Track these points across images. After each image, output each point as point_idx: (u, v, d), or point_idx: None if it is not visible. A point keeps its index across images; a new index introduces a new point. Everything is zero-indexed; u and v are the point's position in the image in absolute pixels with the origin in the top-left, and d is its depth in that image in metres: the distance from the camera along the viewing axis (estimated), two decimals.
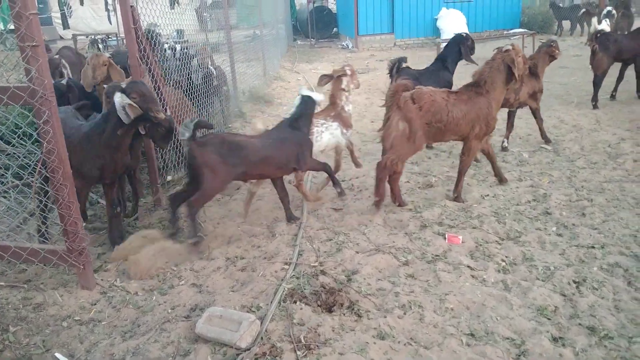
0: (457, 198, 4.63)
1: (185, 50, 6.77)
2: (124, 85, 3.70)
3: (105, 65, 4.74)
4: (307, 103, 4.26)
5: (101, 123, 3.75)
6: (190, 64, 6.40)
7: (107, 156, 3.76)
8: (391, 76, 6.09)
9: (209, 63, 6.83)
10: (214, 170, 3.75)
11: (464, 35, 6.44)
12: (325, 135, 4.56)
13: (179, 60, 6.40)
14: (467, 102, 4.35)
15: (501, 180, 4.94)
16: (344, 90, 4.72)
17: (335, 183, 4.42)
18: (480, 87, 4.38)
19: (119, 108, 3.59)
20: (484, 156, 4.97)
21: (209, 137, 3.90)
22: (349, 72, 4.74)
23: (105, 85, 4.41)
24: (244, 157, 3.87)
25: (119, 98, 3.58)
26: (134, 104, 3.58)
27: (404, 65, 6.07)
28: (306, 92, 4.30)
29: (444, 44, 7.68)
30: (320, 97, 4.38)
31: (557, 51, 5.79)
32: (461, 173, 4.62)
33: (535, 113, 5.95)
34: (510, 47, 4.39)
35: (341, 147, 4.81)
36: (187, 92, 6.03)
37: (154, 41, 5.55)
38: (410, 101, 4.24)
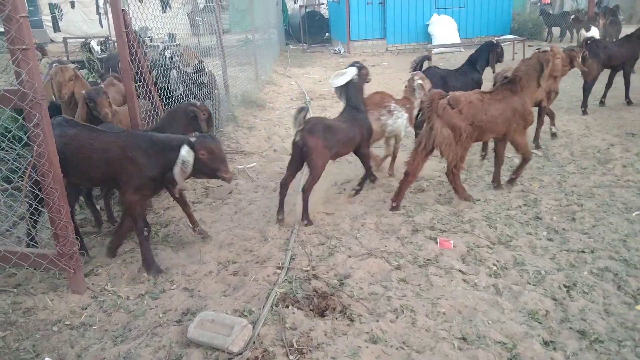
0: (509, 181, 5.01)
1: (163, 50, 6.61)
2: (192, 139, 3.44)
3: (72, 80, 4.57)
4: (353, 85, 4.78)
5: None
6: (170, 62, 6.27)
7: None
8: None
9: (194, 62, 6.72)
10: (320, 154, 4.30)
11: (495, 42, 6.75)
12: (398, 121, 5.15)
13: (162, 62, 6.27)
14: (501, 101, 4.52)
15: (498, 185, 5.02)
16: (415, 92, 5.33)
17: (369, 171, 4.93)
18: (515, 84, 4.56)
19: (179, 162, 3.33)
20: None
21: (314, 124, 4.35)
22: (419, 80, 5.28)
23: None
24: (338, 139, 4.44)
25: (185, 153, 3.32)
26: (186, 170, 3.37)
27: (428, 63, 6.37)
28: (346, 77, 4.73)
29: (435, 50, 7.79)
30: (352, 72, 4.77)
31: (578, 57, 6.04)
32: (523, 163, 4.93)
33: (542, 113, 6.05)
34: (548, 49, 4.58)
35: (399, 137, 5.36)
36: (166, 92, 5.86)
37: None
38: (448, 107, 4.39)
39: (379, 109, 5.13)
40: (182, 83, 5.97)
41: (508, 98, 4.54)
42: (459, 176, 4.67)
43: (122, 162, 3.50)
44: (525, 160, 4.90)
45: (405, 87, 5.45)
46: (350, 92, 4.76)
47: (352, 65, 4.84)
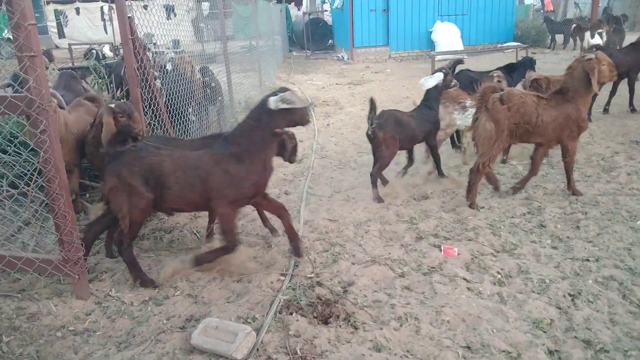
0: (574, 193, 4.92)
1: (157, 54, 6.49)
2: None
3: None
4: (436, 88, 5.31)
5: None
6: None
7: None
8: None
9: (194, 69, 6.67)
10: (389, 145, 4.92)
11: (534, 60, 7.08)
12: (469, 117, 5.46)
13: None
14: (556, 108, 4.55)
15: (520, 188, 5.05)
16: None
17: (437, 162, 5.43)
18: (565, 94, 4.58)
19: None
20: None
21: (386, 118, 4.96)
22: (497, 79, 5.87)
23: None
24: (405, 132, 5.01)
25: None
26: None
27: (460, 67, 6.60)
28: (434, 80, 5.29)
29: (438, 57, 7.89)
30: (439, 77, 5.32)
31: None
32: (568, 172, 4.90)
33: None
34: (592, 57, 4.58)
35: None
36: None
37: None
38: (498, 102, 4.46)
39: (454, 104, 5.64)
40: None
41: (562, 105, 4.55)
42: (481, 179, 4.75)
43: (216, 176, 3.40)
44: (567, 171, 4.88)
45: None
46: (430, 92, 5.36)
47: (438, 70, 5.38)
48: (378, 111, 5.02)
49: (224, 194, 3.43)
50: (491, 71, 6.62)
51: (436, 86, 5.33)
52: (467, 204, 4.75)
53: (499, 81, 5.79)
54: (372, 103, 4.89)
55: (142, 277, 3.59)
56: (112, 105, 3.98)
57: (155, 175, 3.35)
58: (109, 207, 3.59)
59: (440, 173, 5.51)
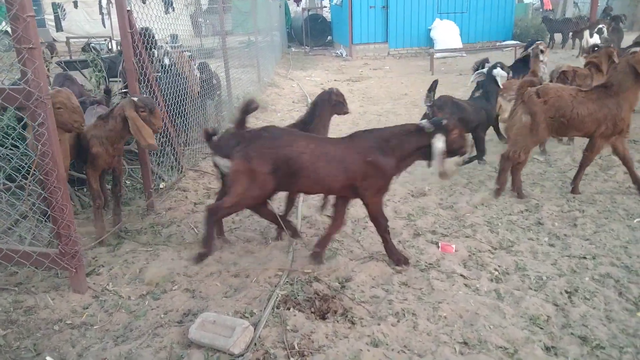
0: (574, 190, 4.91)
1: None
2: (435, 124, 3.42)
3: None
4: (494, 79, 5.67)
5: None
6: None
7: None
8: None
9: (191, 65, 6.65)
10: None
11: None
12: None
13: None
14: (595, 102, 4.51)
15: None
16: (542, 62, 6.44)
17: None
18: (609, 89, 4.55)
19: (437, 149, 3.37)
20: (619, 160, 4.94)
21: (445, 100, 5.25)
22: (543, 48, 6.43)
23: None
24: (462, 117, 5.07)
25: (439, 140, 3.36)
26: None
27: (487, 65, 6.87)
28: (493, 71, 5.65)
29: (437, 54, 7.94)
30: (504, 74, 5.71)
31: (614, 52, 6.30)
32: (582, 167, 4.87)
33: None
34: (638, 50, 4.62)
35: None
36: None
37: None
38: (534, 95, 4.54)
39: (510, 92, 5.76)
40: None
41: (602, 100, 4.51)
42: (509, 167, 4.80)
43: (363, 168, 3.40)
44: (581, 165, 4.86)
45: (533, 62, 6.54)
46: (488, 84, 5.71)
47: (494, 65, 5.75)
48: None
49: (371, 185, 3.45)
50: (513, 64, 7.15)
51: (494, 79, 5.65)
52: (495, 189, 4.89)
53: (542, 50, 6.34)
54: (434, 84, 5.14)
55: (208, 250, 3.50)
56: (135, 99, 3.89)
57: (290, 166, 3.30)
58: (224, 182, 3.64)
59: (482, 160, 5.82)
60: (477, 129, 5.54)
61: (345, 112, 4.61)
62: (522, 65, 7.10)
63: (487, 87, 5.74)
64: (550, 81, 5.96)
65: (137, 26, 4.78)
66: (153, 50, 5.49)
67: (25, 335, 3.02)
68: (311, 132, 4.15)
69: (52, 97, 3.29)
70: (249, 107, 3.44)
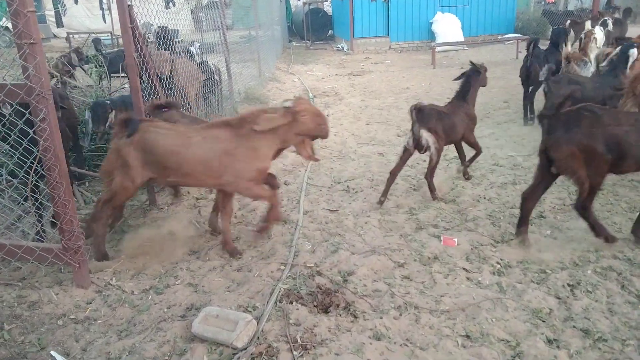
0: None
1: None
2: None
3: None
4: (626, 58, 5.81)
5: None
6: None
7: None
8: (528, 54, 7.16)
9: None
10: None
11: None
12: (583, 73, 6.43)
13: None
14: None
15: None
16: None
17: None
18: None
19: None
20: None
21: (561, 77, 5.65)
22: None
23: None
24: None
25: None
26: None
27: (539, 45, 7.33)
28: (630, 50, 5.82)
29: (438, 48, 7.97)
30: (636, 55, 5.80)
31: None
32: None
33: None
34: None
35: None
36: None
37: None
38: None
39: (578, 61, 6.50)
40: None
41: None
42: None
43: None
44: None
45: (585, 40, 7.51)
46: (618, 62, 5.81)
47: (630, 45, 5.89)
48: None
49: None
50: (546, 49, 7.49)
51: (627, 58, 5.78)
52: None
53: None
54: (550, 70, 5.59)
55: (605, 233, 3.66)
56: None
57: (619, 145, 3.37)
58: (561, 173, 3.69)
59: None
60: (605, 104, 5.43)
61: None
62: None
63: (617, 64, 5.80)
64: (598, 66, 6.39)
65: (138, 21, 4.78)
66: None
67: (29, 330, 3.04)
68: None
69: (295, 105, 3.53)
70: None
